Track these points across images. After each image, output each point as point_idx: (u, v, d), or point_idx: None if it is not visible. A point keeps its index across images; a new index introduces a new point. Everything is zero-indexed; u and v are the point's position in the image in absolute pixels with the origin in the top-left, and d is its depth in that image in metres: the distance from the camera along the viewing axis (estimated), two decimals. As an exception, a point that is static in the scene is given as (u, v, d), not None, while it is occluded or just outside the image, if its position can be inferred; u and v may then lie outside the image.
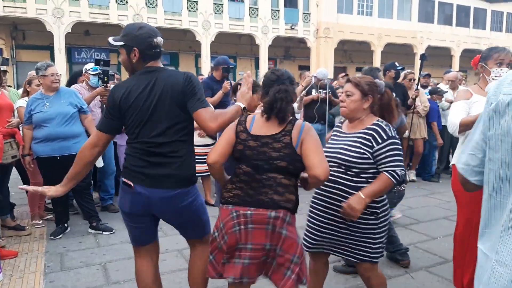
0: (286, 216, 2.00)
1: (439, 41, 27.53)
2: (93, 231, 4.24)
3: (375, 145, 2.22)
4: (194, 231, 2.41)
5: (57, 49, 18.35)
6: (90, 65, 4.98)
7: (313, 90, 6.62)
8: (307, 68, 22.20)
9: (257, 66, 24.18)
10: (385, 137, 2.22)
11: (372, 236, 2.27)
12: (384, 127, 2.26)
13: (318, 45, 24.19)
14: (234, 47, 23.11)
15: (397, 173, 2.17)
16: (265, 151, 2.01)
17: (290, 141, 1.99)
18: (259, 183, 2.02)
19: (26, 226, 4.30)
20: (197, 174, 5.81)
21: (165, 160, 2.14)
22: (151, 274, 2.38)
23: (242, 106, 2.22)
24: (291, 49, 25.72)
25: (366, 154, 2.22)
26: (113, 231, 4.22)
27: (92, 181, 4.88)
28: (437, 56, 25.39)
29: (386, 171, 2.18)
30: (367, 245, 2.28)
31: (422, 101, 6.22)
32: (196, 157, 5.85)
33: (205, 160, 5.53)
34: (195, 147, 2.41)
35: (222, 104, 5.23)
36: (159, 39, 2.19)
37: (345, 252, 2.35)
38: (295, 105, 6.25)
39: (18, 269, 3.38)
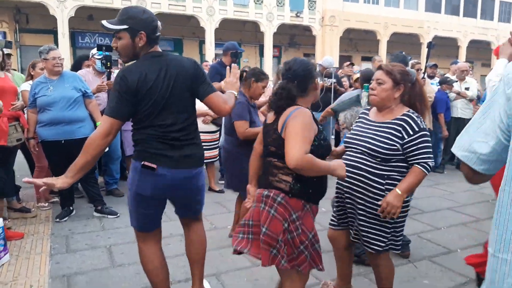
0: (276, 196, 2.00)
1: (446, 32, 27.22)
2: (98, 215, 4.27)
3: (406, 136, 2.19)
4: (195, 210, 2.51)
5: (60, 33, 18.24)
6: (96, 50, 4.96)
7: (318, 79, 6.59)
8: (312, 56, 22.04)
9: (261, 54, 24.02)
10: (416, 129, 2.19)
11: (386, 225, 2.27)
12: (416, 118, 2.23)
13: (324, 33, 23.98)
14: (238, 34, 22.92)
15: (428, 165, 2.18)
16: (266, 137, 2.14)
17: (277, 126, 2.04)
18: (265, 167, 2.16)
19: (32, 209, 4.34)
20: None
21: (183, 143, 2.20)
22: (159, 257, 2.42)
23: (235, 93, 2.44)
24: (296, 36, 25.52)
25: (396, 146, 2.20)
26: (118, 215, 4.25)
27: (97, 165, 4.90)
28: (444, 47, 25.14)
29: (418, 163, 2.18)
30: (380, 233, 2.28)
31: (428, 91, 6.16)
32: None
33: (209, 146, 5.55)
34: (200, 134, 2.46)
35: None
36: (159, 23, 2.22)
37: (361, 238, 2.37)
38: None
39: (24, 250, 3.42)
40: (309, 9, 23.78)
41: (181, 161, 2.20)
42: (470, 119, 1.26)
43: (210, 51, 20.24)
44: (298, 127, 1.92)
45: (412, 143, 2.18)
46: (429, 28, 26.57)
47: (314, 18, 23.94)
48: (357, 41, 26.71)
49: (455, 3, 28.03)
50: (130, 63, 2.22)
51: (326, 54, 20.31)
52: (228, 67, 2.53)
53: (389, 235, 2.29)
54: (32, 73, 4.65)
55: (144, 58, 2.16)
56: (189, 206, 2.47)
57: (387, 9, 25.51)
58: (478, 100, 6.74)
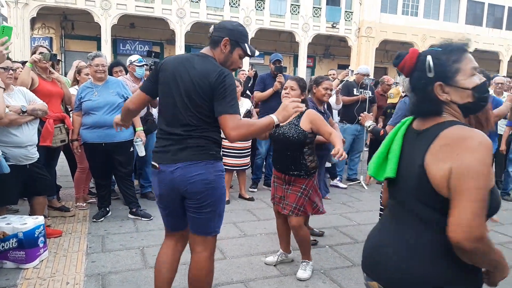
0: None
1: (487, 45, 26.38)
2: (132, 217, 4.40)
3: None
4: (202, 223, 2.23)
5: (103, 40, 19.00)
6: (135, 57, 5.11)
7: (354, 89, 6.53)
8: (347, 67, 21.89)
9: (295, 64, 24.09)
10: None
11: None
12: None
13: (359, 44, 23.79)
14: (273, 43, 23.12)
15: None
16: None
17: None
18: None
19: (71, 208, 4.52)
20: (233, 168, 5.83)
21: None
22: (168, 257, 2.36)
23: (276, 121, 2.10)
24: (331, 47, 25.45)
25: None
26: (151, 217, 4.36)
27: (133, 168, 5.05)
28: (484, 60, 24.33)
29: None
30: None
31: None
32: (233, 151, 5.87)
33: (241, 154, 5.59)
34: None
35: (273, 101, 5.29)
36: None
37: None
38: (333, 100, 6.18)
39: (62, 248, 3.56)
40: (346, 20, 23.69)
41: (176, 155, 2.14)
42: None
43: (245, 61, 20.50)
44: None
45: None
46: (470, 41, 25.78)
47: (350, 29, 23.81)
48: (393, 53, 26.25)
49: (498, 15, 27.17)
50: None
51: (361, 65, 20.07)
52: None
53: None
54: (78, 78, 4.88)
55: None
56: (198, 212, 2.21)
57: (426, 20, 25.04)
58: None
